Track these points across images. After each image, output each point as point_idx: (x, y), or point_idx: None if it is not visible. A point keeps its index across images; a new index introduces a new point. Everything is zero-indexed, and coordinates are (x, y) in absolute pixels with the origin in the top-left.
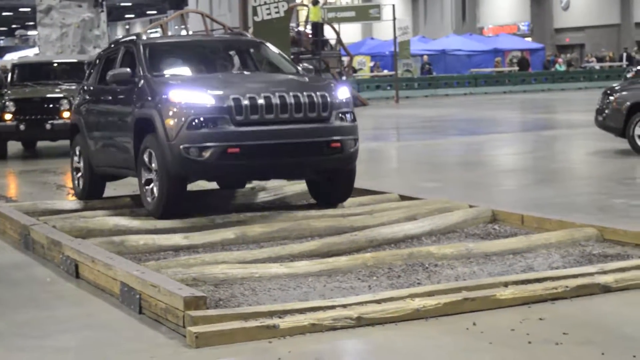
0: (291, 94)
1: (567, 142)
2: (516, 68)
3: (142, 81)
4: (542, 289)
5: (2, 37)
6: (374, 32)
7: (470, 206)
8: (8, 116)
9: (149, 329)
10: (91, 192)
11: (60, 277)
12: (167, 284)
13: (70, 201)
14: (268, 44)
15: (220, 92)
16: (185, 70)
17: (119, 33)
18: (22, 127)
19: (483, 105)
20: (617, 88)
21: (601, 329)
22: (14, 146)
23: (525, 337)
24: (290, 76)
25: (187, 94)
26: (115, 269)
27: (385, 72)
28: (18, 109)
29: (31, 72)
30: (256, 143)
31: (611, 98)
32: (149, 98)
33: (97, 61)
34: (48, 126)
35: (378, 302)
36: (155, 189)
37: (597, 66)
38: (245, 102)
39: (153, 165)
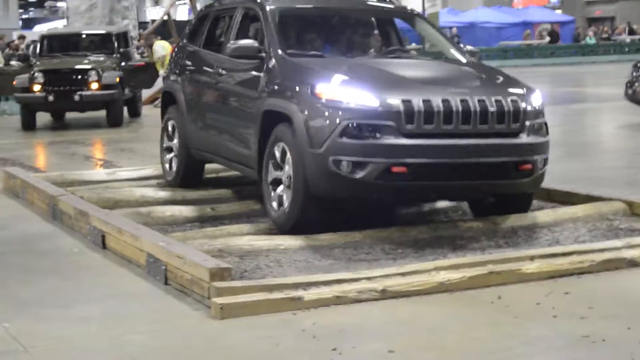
0: (476, 98)
1: (596, 115)
2: (546, 40)
3: (273, 60)
4: (568, 263)
5: (32, 9)
6: (402, 4)
7: None
8: (37, 87)
9: (175, 300)
10: (186, 179)
11: (87, 248)
12: (192, 255)
13: (98, 171)
14: (423, 17)
15: (385, 90)
16: (326, 49)
17: (147, 4)
18: (50, 98)
19: None
20: None
21: (627, 303)
22: (42, 117)
23: (551, 311)
24: (466, 69)
25: (342, 90)
26: (142, 240)
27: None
28: (47, 80)
29: (60, 43)
30: (429, 161)
31: None
32: (285, 86)
33: (202, 18)
34: (77, 97)
35: (403, 274)
36: (285, 198)
37: (628, 39)
38: (419, 106)
39: (286, 166)
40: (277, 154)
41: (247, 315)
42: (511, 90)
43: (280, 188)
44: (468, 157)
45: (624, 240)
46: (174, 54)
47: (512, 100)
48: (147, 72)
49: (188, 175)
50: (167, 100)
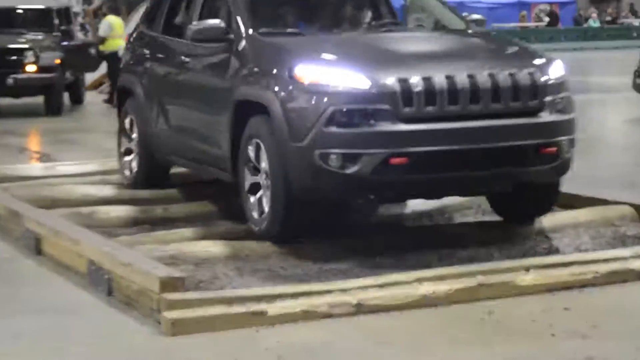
0: (485, 72)
1: (601, 107)
2: (544, 22)
3: (243, 42)
4: (569, 274)
5: None
6: None
7: None
8: None
9: (119, 313)
10: (148, 179)
11: (20, 253)
12: (141, 262)
13: (33, 166)
14: None
15: (378, 68)
16: (304, 26)
17: None
18: None
19: None
20: None
21: (635, 321)
22: None
23: (548, 329)
24: (472, 39)
25: (326, 71)
26: (82, 245)
27: None
28: None
29: None
30: (433, 149)
31: None
32: (259, 71)
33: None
34: (10, 81)
35: (381, 286)
36: (265, 202)
37: (637, 22)
38: (418, 84)
39: (263, 164)
40: (252, 155)
41: (202, 331)
42: (527, 61)
43: (259, 194)
44: (479, 142)
45: (632, 249)
46: (129, 43)
47: (528, 73)
48: (90, 53)
49: (149, 181)
50: (123, 95)
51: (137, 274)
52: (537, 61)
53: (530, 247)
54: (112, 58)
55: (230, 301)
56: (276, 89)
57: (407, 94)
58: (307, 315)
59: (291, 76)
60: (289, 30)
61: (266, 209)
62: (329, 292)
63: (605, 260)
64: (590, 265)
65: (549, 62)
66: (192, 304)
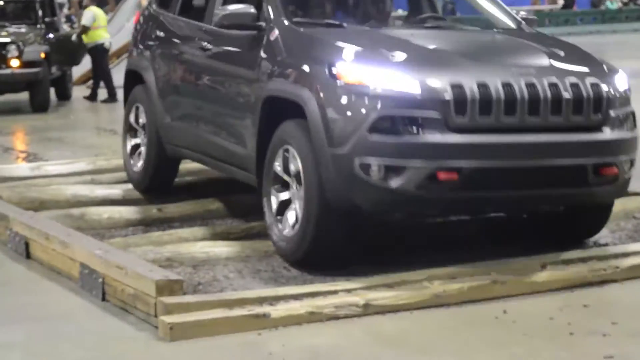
0: (545, 80)
1: None
2: (559, 5)
3: (275, 31)
4: (587, 270)
5: None
6: None
7: None
8: None
9: (114, 318)
10: (156, 181)
11: (8, 258)
12: (135, 265)
13: (20, 166)
14: None
15: (428, 70)
16: (343, 16)
17: None
18: None
19: None
20: None
21: None
22: None
23: (566, 328)
24: (527, 42)
25: (370, 70)
26: (74, 248)
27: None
28: None
29: None
30: (487, 165)
31: None
32: (293, 65)
33: None
34: None
35: (389, 286)
36: (293, 216)
37: None
38: (473, 91)
39: (292, 168)
40: (279, 166)
41: (202, 336)
42: (589, 70)
43: (285, 195)
44: (538, 159)
45: None
46: (139, 23)
47: (591, 84)
48: (75, 46)
49: (158, 177)
50: (132, 81)
51: (132, 278)
52: (601, 70)
53: (547, 243)
54: (96, 51)
55: (231, 304)
56: (314, 87)
57: (460, 101)
58: (312, 317)
59: (332, 74)
60: (327, 21)
61: (292, 221)
62: (334, 292)
63: (625, 255)
64: (610, 260)
65: (613, 72)
66: (190, 308)
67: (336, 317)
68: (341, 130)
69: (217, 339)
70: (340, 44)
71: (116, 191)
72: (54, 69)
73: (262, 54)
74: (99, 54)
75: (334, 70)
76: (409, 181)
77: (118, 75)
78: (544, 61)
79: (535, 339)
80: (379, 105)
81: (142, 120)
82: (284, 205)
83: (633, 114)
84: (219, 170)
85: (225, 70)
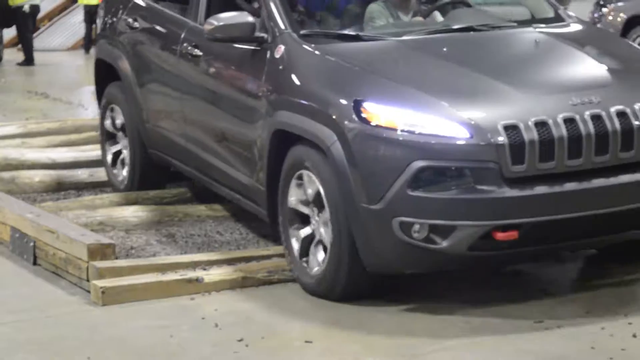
0: (612, 108)
1: None
2: None
3: (281, 47)
4: None
5: None
6: None
7: None
8: None
9: (46, 283)
10: (143, 182)
11: None
12: (67, 229)
13: None
14: None
15: (477, 107)
16: (357, 23)
17: None
18: None
19: None
20: None
21: None
22: None
23: None
24: (578, 44)
25: (408, 112)
26: (4, 212)
27: None
28: None
29: None
30: (551, 219)
31: (604, 10)
32: (308, 94)
33: None
34: None
35: None
36: (321, 251)
37: None
38: (531, 133)
39: (311, 193)
40: (294, 200)
41: (134, 300)
42: None
43: (307, 230)
44: (608, 206)
45: None
46: (105, 2)
47: None
48: (4, 8)
49: (144, 177)
50: (104, 74)
51: (64, 242)
52: None
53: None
54: (18, 13)
55: (163, 268)
56: (337, 128)
57: (517, 146)
58: (246, 282)
59: (359, 114)
60: (340, 31)
61: (319, 257)
62: (267, 257)
63: None
64: None
65: None
66: (123, 272)
67: (269, 282)
68: (374, 183)
69: (149, 303)
70: (364, 72)
71: (46, 154)
72: None
73: (266, 74)
74: (23, 17)
75: (361, 109)
76: (460, 242)
77: (50, 38)
78: (605, 77)
79: None
80: (419, 155)
81: (119, 120)
82: (307, 242)
83: None
84: (218, 192)
85: (220, 87)
